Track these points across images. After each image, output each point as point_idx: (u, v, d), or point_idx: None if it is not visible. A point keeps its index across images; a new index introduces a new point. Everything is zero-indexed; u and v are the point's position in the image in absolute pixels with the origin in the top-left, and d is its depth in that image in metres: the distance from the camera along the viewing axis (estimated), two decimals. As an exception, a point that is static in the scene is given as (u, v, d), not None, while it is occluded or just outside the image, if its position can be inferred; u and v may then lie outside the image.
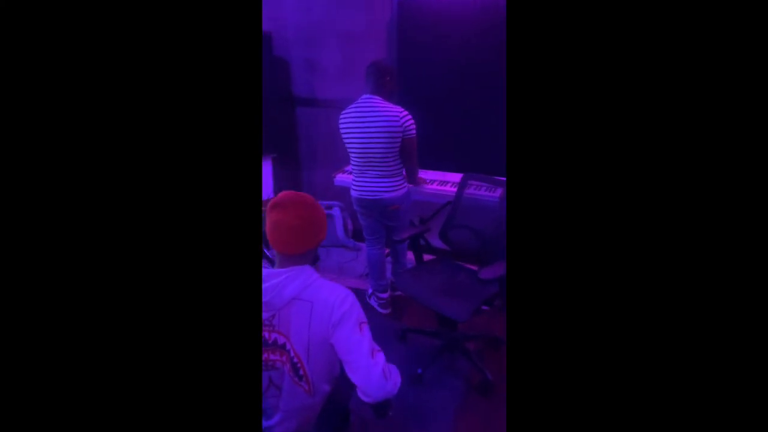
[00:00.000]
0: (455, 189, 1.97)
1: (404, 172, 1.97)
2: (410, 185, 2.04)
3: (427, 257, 1.96)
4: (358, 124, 1.84)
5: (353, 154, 1.93)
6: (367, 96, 1.86)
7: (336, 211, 2.94)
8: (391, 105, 1.83)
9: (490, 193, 1.94)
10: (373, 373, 0.89)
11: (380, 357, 0.92)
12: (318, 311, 0.94)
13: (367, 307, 2.24)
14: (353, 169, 1.99)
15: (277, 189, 2.97)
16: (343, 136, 1.92)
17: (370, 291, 2.27)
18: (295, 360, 0.96)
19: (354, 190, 2.00)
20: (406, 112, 1.81)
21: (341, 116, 1.91)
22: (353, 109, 1.87)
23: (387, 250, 2.23)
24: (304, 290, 0.97)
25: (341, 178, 2.44)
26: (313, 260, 1.07)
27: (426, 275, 1.78)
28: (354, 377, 0.90)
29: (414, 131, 1.84)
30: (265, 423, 1.03)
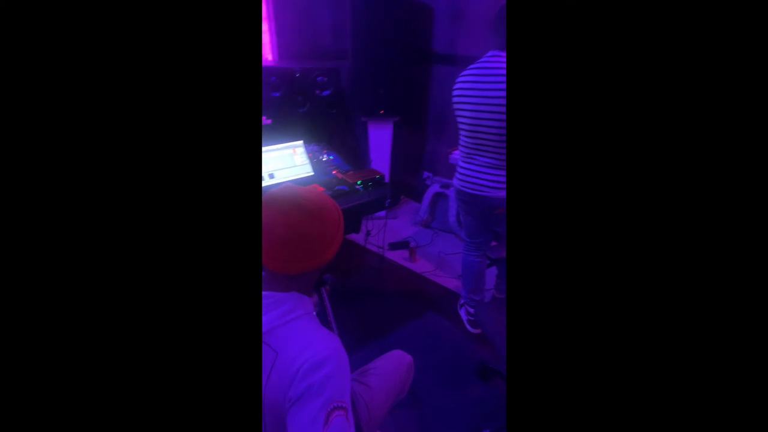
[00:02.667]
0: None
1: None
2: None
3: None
4: (472, 91, 1.37)
5: (462, 132, 1.48)
6: (492, 53, 1.35)
7: (451, 192, 2.52)
8: (523, 68, 1.28)
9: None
10: None
11: None
12: (280, 368, 0.64)
13: (455, 318, 1.85)
14: (461, 150, 1.54)
15: (395, 158, 2.69)
16: (454, 106, 1.47)
17: (462, 300, 1.86)
18: (247, 422, 0.70)
19: (457, 177, 1.56)
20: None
21: (457, 80, 1.45)
22: (470, 71, 1.39)
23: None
24: (275, 330, 0.68)
25: (457, 157, 2.00)
26: (312, 287, 0.76)
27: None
28: None
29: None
30: None
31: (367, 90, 2.43)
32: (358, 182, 1.69)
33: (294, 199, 0.69)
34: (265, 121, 2.47)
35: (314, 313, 0.73)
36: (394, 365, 1.09)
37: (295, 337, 0.67)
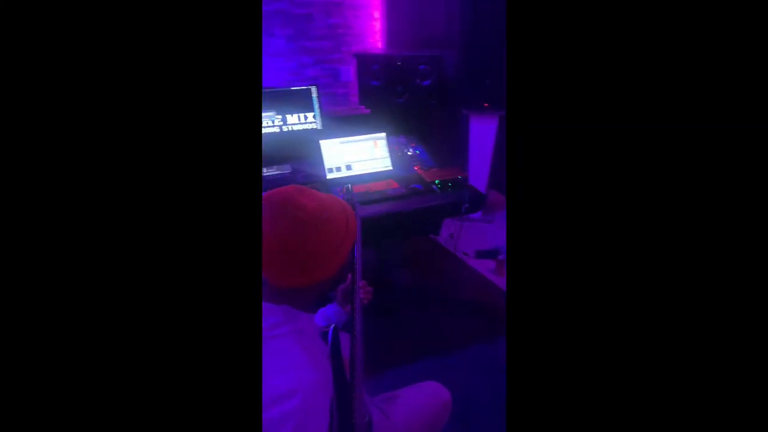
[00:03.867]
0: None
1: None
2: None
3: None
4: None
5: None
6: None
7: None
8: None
9: None
10: None
11: None
12: None
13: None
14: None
15: (498, 156, 2.43)
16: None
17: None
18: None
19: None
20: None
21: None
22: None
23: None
24: None
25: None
26: (311, 305, 0.68)
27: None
28: None
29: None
30: None
31: (473, 80, 2.22)
32: (436, 181, 1.54)
33: (288, 207, 0.60)
34: (364, 110, 2.46)
35: (305, 331, 0.65)
36: (426, 400, 0.95)
37: (271, 357, 0.59)
